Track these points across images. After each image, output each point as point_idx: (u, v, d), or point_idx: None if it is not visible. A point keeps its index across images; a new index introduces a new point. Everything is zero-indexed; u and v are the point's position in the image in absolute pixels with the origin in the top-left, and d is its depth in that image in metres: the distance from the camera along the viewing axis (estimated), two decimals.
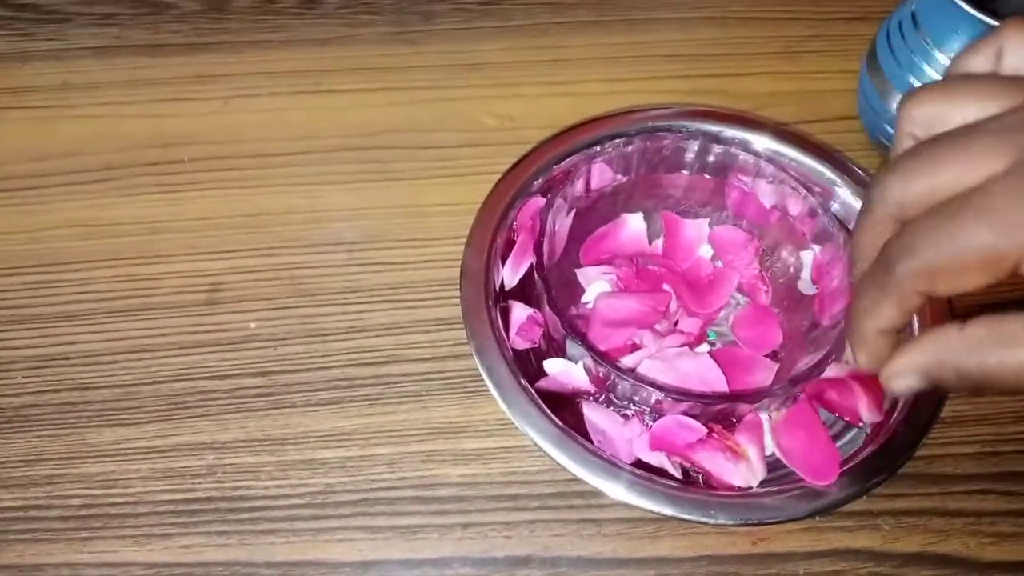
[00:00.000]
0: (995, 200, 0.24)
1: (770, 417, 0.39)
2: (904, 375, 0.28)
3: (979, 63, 0.28)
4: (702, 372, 0.41)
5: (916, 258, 0.25)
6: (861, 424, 0.39)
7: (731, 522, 0.36)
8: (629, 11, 0.60)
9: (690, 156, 0.47)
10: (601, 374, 0.39)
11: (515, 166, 0.47)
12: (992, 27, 0.42)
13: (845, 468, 0.37)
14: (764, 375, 0.42)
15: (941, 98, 0.27)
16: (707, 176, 0.48)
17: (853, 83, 0.53)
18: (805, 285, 0.45)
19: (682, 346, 0.43)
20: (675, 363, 0.41)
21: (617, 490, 0.36)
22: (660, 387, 0.36)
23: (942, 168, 0.25)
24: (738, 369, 0.42)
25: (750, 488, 0.37)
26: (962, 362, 0.26)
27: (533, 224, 0.44)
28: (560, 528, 0.41)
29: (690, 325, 0.45)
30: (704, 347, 0.44)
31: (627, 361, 0.42)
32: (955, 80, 0.27)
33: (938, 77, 0.46)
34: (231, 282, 0.48)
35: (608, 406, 0.41)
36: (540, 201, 0.45)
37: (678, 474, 0.38)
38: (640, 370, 0.41)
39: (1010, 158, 0.24)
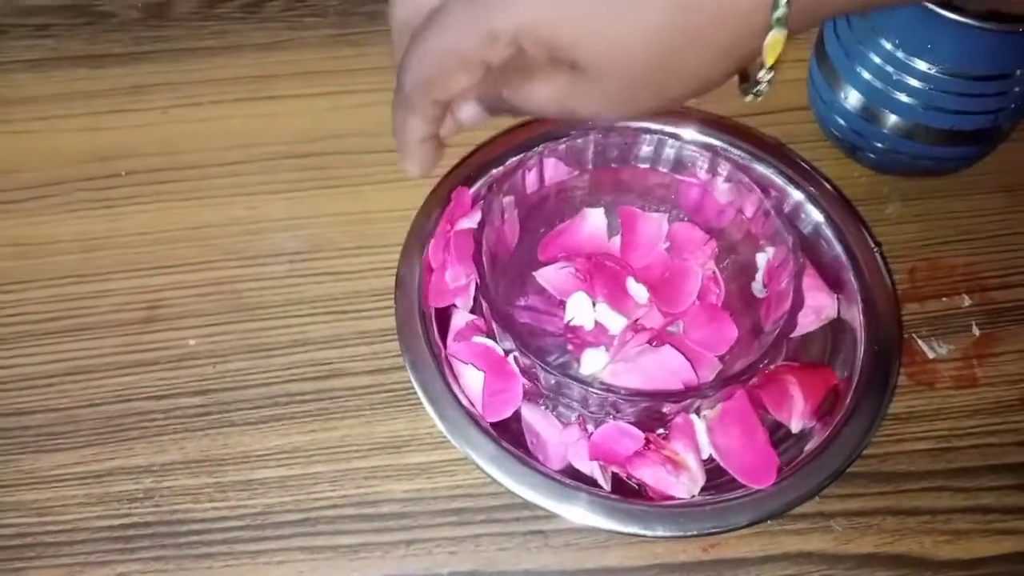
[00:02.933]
0: (447, 12, 0.29)
1: (704, 414, 0.38)
2: (468, 116, 0.33)
3: None
4: (667, 365, 0.40)
5: (409, 73, 0.31)
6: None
7: (670, 534, 0.35)
8: None
9: (647, 151, 0.46)
10: (525, 365, 0.38)
11: (454, 170, 0.46)
12: (935, 14, 0.42)
13: (787, 471, 0.37)
14: (706, 373, 0.41)
15: None
16: (664, 172, 0.47)
17: (804, 72, 0.52)
18: (758, 288, 0.44)
19: (645, 344, 0.42)
20: (638, 362, 0.41)
21: (552, 504, 0.36)
22: (582, 381, 0.36)
23: None
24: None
25: (692, 497, 0.36)
26: (504, 98, 0.31)
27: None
28: (506, 542, 0.40)
29: (653, 320, 0.44)
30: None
31: (588, 367, 0.41)
32: None
33: (885, 65, 0.45)
34: (170, 298, 0.47)
35: (545, 407, 0.40)
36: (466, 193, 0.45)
37: (607, 484, 0.37)
38: (605, 375, 0.40)
39: None
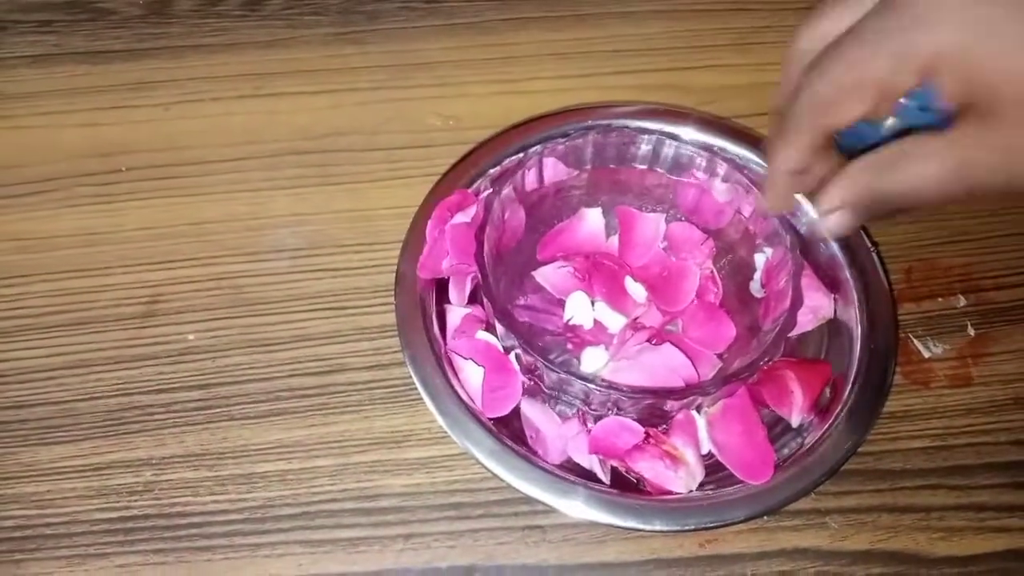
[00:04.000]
0: (859, 29, 0.29)
1: (705, 410, 0.38)
2: (835, 210, 0.32)
3: None
4: (668, 362, 0.41)
5: (806, 91, 0.31)
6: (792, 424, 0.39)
7: (667, 529, 0.35)
8: (577, 6, 0.59)
9: (645, 151, 0.46)
10: (528, 363, 0.38)
11: (454, 167, 0.47)
12: None
13: (783, 468, 0.37)
14: (705, 371, 0.41)
15: None
16: (662, 172, 0.47)
17: None
18: (756, 288, 0.44)
19: (645, 342, 0.42)
20: (639, 360, 0.41)
21: (550, 498, 0.36)
22: (585, 378, 0.36)
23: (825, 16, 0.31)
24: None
25: (690, 492, 0.36)
26: (878, 184, 0.30)
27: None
28: (505, 536, 0.40)
29: (652, 319, 0.44)
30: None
31: (588, 365, 0.42)
32: None
33: None
34: (170, 293, 0.47)
35: (544, 402, 0.40)
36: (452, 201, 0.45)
37: (606, 478, 0.37)
38: (605, 373, 0.41)
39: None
